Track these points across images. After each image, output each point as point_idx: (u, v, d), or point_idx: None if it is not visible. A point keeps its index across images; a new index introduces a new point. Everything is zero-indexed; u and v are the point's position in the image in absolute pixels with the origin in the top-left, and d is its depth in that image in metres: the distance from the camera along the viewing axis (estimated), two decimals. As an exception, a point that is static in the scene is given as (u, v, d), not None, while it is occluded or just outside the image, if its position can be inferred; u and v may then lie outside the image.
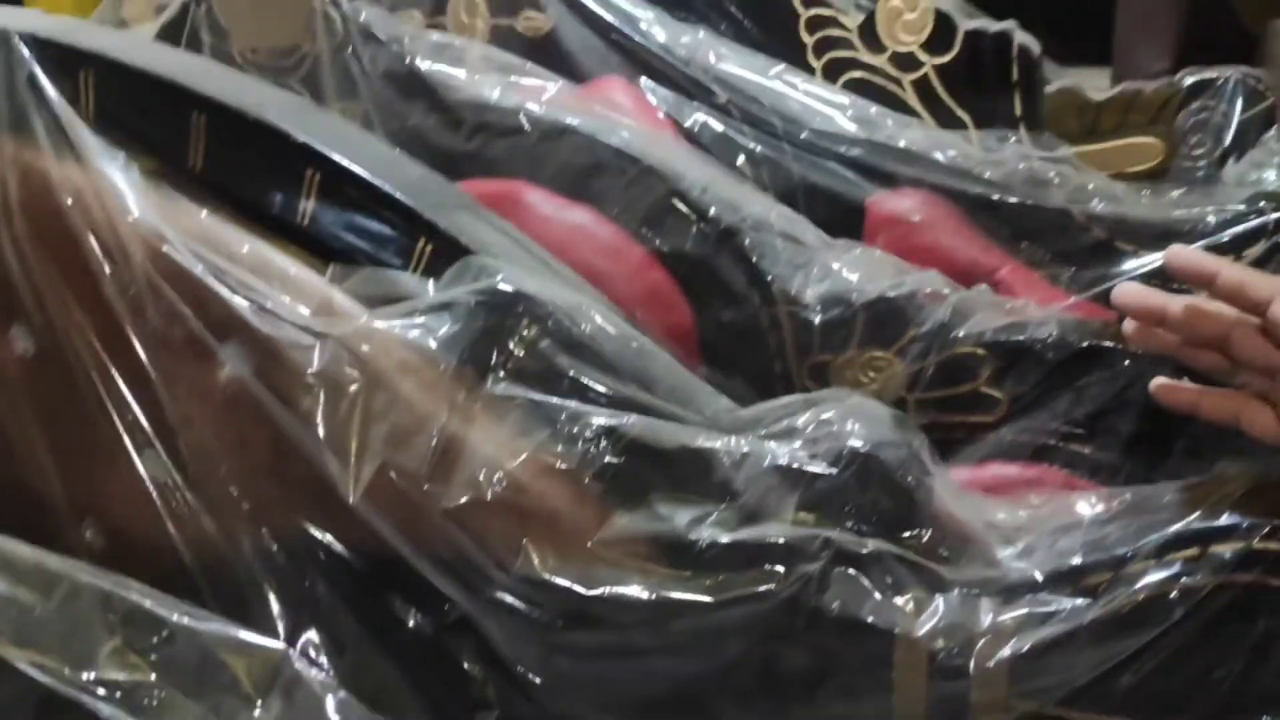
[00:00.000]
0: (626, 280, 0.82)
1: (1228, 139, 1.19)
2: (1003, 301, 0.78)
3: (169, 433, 0.58)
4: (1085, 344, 0.74)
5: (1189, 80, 1.19)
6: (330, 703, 0.44)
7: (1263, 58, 1.75)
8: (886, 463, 0.50)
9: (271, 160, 0.56)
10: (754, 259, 0.79)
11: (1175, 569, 0.47)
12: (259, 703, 0.43)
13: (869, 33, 0.95)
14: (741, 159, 0.95)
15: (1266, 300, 0.50)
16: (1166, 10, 1.46)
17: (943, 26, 0.92)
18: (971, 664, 0.48)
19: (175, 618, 0.41)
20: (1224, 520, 0.47)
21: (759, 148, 0.95)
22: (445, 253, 0.55)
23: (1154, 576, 0.47)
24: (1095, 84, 1.30)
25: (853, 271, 0.78)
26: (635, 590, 0.51)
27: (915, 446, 0.51)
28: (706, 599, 0.50)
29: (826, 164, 0.94)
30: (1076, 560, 0.49)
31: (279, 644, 0.45)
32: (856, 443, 0.50)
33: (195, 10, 0.87)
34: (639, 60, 0.98)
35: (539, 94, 0.82)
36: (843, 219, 0.92)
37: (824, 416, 0.52)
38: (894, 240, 0.92)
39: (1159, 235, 0.91)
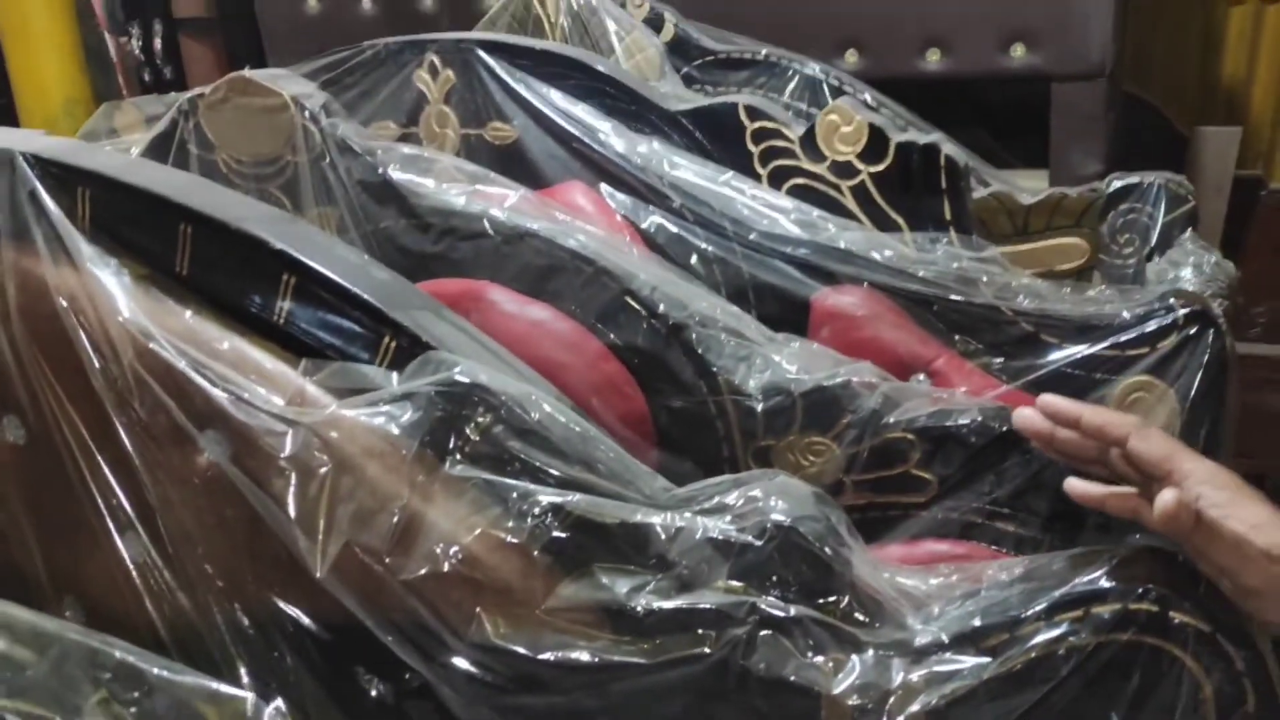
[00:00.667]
0: (584, 371, 0.89)
1: (1153, 238, 1.28)
2: (930, 390, 0.85)
3: (150, 515, 0.63)
4: (1005, 429, 0.80)
5: (1117, 184, 1.29)
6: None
7: (1190, 160, 1.87)
8: (807, 535, 0.56)
9: (251, 266, 0.63)
10: (701, 352, 0.86)
11: (1062, 629, 0.52)
12: (230, 746, 0.47)
13: (809, 144, 1.04)
14: (695, 258, 1.02)
15: (1124, 439, 0.61)
16: (1099, 116, 1.56)
17: (877, 138, 1.01)
18: (888, 712, 0.52)
19: (155, 671, 0.46)
20: (1103, 584, 0.52)
21: (711, 248, 1.03)
22: (408, 348, 0.61)
23: (1044, 636, 0.52)
24: (1034, 185, 1.39)
25: (792, 363, 0.85)
26: (579, 654, 0.55)
27: (834, 521, 0.57)
28: (644, 661, 0.55)
29: (773, 263, 1.02)
30: (977, 622, 0.54)
31: (248, 694, 0.49)
32: (779, 517, 0.56)
33: (184, 124, 0.95)
34: (599, 167, 1.06)
35: (501, 200, 0.89)
36: (789, 314, 0.99)
37: (751, 494, 0.57)
38: (838, 333, 0.99)
39: (1080, 329, 0.99)
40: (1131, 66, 2.12)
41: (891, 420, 0.82)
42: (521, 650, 0.56)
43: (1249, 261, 2.07)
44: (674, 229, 1.04)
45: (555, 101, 1.07)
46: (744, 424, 0.86)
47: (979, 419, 0.80)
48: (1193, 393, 0.95)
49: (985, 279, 1.00)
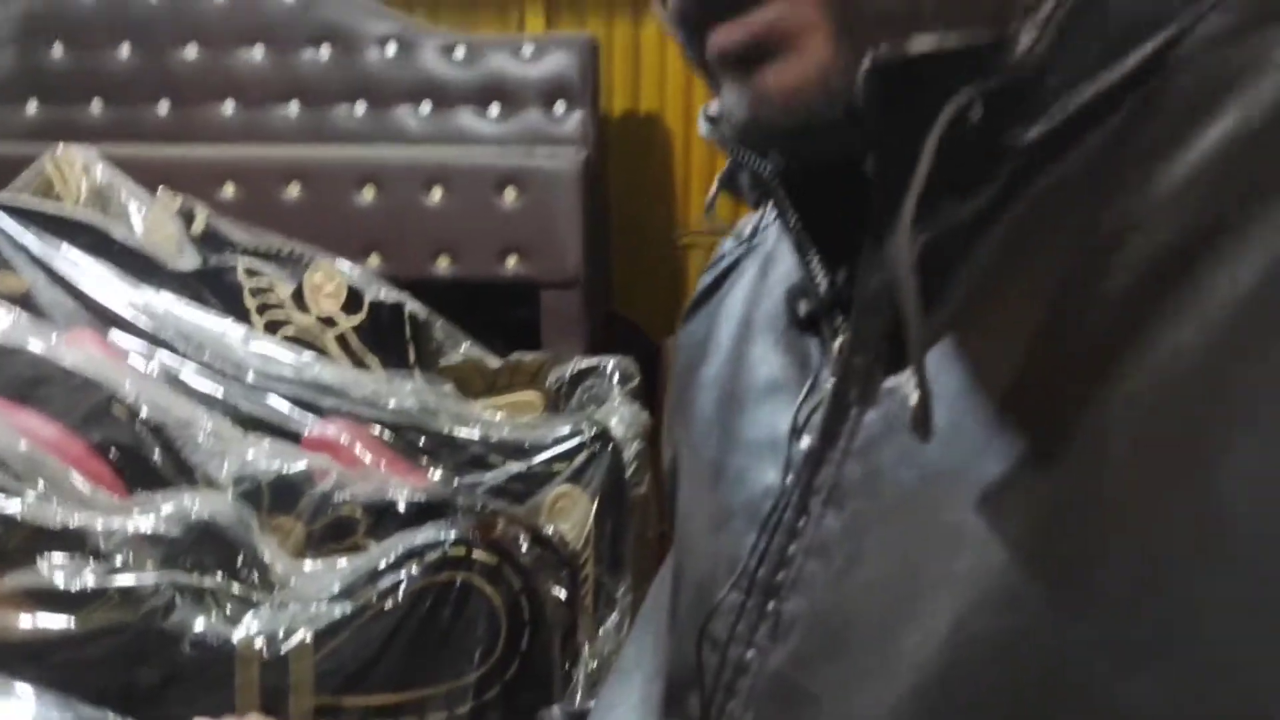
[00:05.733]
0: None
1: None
2: (373, 473, 1.08)
3: None
4: (428, 500, 1.05)
5: (582, 365, 1.66)
6: None
7: (662, 367, 2.35)
8: (222, 525, 0.75)
9: None
10: (178, 448, 1.03)
11: (400, 574, 0.75)
12: None
13: (298, 299, 1.29)
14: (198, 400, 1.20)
15: None
16: (578, 319, 1.97)
17: (353, 296, 1.28)
18: (283, 649, 0.71)
19: None
20: (431, 538, 0.77)
21: (212, 389, 1.21)
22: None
23: (388, 581, 0.75)
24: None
25: (260, 456, 1.04)
26: (16, 628, 0.69)
27: (245, 517, 0.76)
28: (76, 633, 0.70)
29: (268, 400, 1.22)
30: (351, 578, 0.76)
31: None
32: (201, 513, 0.75)
33: None
34: (107, 317, 1.22)
35: (-2, 322, 1.03)
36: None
37: (181, 500, 0.76)
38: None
39: (517, 450, 1.29)
40: (621, 293, 2.66)
41: (342, 499, 1.03)
42: (-37, 630, 0.68)
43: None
44: (180, 373, 1.22)
45: (66, 256, 1.23)
46: (219, 510, 1.03)
47: (409, 494, 1.04)
48: (600, 495, 1.28)
49: (441, 411, 1.28)
